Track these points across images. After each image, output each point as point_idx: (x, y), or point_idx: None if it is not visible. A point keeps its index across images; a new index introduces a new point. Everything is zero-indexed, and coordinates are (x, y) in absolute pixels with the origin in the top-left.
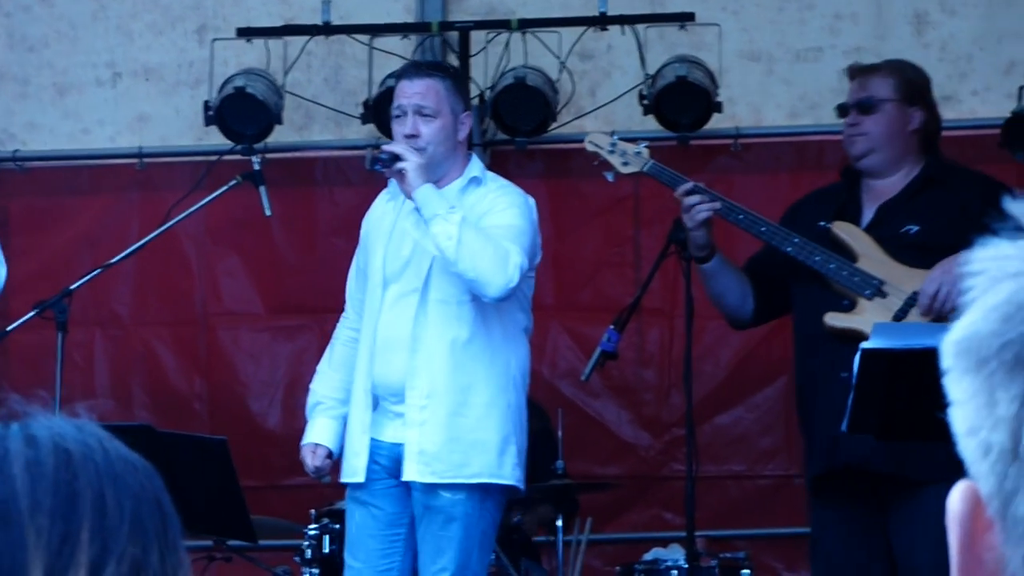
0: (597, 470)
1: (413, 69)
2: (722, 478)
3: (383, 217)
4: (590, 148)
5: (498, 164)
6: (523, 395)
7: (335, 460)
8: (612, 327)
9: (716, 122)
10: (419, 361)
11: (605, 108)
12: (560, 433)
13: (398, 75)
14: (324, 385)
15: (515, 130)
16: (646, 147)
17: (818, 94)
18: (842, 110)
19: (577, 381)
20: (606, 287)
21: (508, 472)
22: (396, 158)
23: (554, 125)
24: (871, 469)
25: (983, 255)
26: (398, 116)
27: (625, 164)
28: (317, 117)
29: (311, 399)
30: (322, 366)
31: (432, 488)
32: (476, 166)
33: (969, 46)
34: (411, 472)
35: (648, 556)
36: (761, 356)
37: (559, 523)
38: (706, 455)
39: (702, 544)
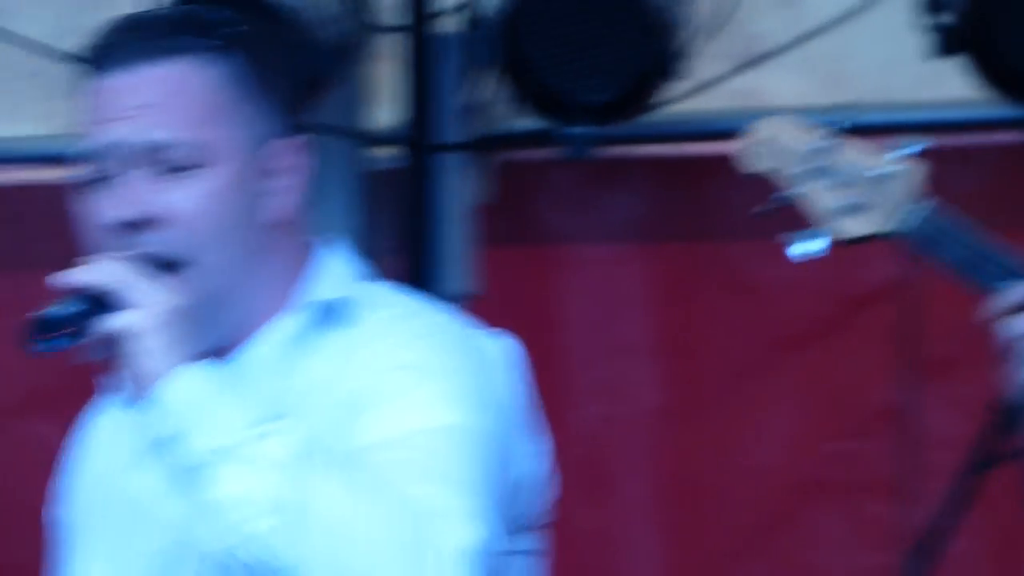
0: None
1: (124, 45)
2: None
3: (108, 468)
4: (752, 165)
5: (523, 195)
6: None
7: None
8: None
9: None
10: None
11: (818, 42)
12: None
13: (91, 63)
14: None
15: (571, 106)
16: (921, 148)
17: None
18: None
19: None
20: (831, 530)
21: None
22: (97, 304)
23: (670, 94)
24: None
25: None
26: (95, 181)
27: (855, 211)
28: None
29: None
30: None
31: None
32: (330, 272)
33: None
34: None
35: None
36: None
37: None
38: None
39: None
